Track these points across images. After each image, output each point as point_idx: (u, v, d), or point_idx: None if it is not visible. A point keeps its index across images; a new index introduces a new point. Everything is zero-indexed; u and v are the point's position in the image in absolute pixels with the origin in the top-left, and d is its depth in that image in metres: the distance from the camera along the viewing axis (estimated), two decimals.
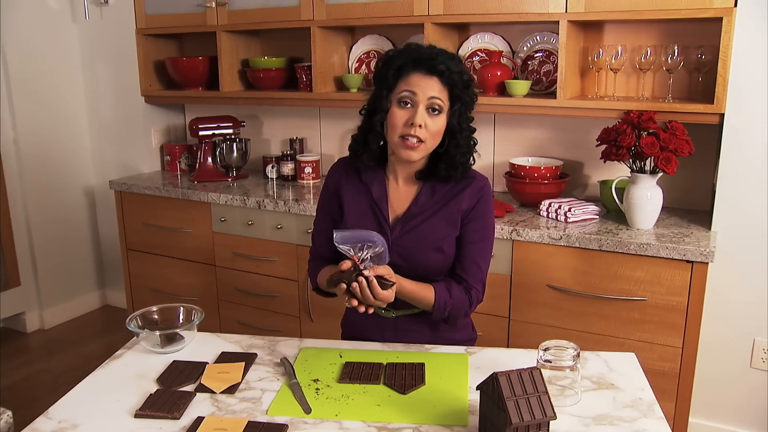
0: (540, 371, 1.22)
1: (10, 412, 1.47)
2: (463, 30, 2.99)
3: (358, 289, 1.50)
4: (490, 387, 1.22)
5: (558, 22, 2.50)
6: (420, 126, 1.60)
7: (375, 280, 1.49)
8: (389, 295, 1.54)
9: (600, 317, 2.38)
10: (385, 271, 1.54)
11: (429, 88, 1.60)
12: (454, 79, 1.62)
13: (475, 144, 1.74)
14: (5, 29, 3.45)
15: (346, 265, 1.51)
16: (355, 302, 1.53)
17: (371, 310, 1.56)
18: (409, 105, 1.61)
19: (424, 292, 1.67)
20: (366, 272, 1.50)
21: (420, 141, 1.61)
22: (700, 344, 2.36)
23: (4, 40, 3.45)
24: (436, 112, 1.62)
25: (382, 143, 1.71)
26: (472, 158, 1.74)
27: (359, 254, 1.50)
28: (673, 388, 2.32)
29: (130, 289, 3.54)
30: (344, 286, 1.50)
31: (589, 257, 2.35)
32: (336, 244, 1.52)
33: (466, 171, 1.73)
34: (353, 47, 3.21)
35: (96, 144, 3.93)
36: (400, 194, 1.75)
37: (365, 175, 1.75)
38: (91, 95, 3.85)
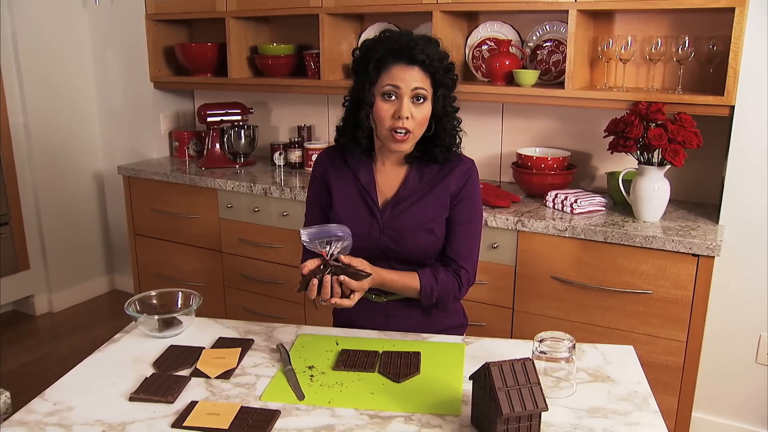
0: (533, 362, 1.21)
1: (8, 393, 1.48)
2: (472, 18, 2.96)
3: (328, 287, 1.50)
4: (482, 377, 1.21)
5: (567, 11, 2.47)
6: (407, 118, 1.59)
7: (345, 277, 1.50)
8: (364, 284, 1.54)
9: (604, 310, 2.36)
10: (360, 263, 1.55)
11: (412, 79, 1.59)
12: (435, 66, 1.61)
13: (459, 123, 1.73)
14: (16, 15, 3.46)
15: (313, 263, 1.51)
16: (334, 299, 1.53)
17: (345, 302, 1.54)
18: (393, 98, 1.61)
19: (407, 281, 1.67)
20: (344, 259, 1.51)
21: (408, 132, 1.61)
22: (705, 339, 2.34)
23: (15, 25, 3.47)
24: (421, 101, 1.62)
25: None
26: (458, 137, 1.73)
27: (327, 249, 1.50)
28: (677, 382, 2.30)
29: (137, 275, 3.56)
30: (316, 281, 1.50)
31: (595, 249, 2.33)
32: (303, 244, 1.51)
33: (456, 150, 1.74)
34: (362, 35, 3.19)
35: (105, 129, 3.94)
36: (388, 178, 1.74)
37: (352, 162, 1.75)
38: (101, 81, 3.87)
